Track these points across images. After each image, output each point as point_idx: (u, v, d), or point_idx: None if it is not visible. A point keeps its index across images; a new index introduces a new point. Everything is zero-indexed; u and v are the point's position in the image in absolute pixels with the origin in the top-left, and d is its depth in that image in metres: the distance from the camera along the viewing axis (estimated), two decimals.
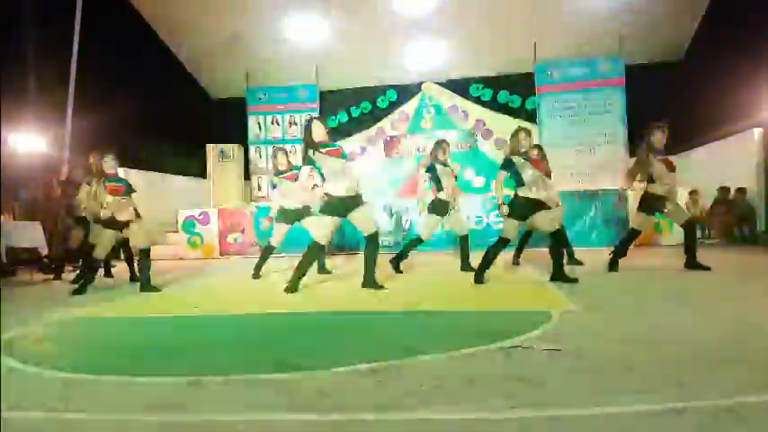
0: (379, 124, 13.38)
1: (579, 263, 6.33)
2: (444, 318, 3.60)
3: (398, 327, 3.39)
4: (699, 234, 9.71)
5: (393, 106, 13.35)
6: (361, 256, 5.20)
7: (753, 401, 1.79)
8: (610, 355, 2.39)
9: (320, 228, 5.02)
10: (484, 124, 12.77)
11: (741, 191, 9.48)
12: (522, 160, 5.01)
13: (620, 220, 9.38)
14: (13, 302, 5.17)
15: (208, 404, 1.98)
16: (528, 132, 5.15)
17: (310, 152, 4.71)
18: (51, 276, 7.45)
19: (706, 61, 10.81)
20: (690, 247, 5.56)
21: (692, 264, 5.51)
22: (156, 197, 11.50)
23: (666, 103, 10.16)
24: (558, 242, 5.09)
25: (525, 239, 6.68)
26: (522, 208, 4.97)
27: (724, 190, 9.74)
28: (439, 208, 6.11)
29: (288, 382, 2.18)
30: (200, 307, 4.35)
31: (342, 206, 4.76)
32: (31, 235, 7.52)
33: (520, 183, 4.99)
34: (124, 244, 6.43)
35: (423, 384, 2.08)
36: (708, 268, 5.35)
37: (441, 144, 6.25)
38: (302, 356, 2.63)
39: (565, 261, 5.32)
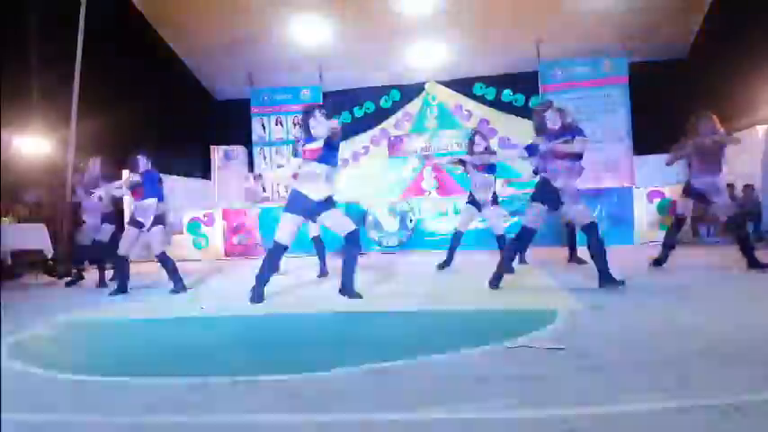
0: (382, 124, 13.37)
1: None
2: (449, 316, 3.59)
3: (404, 325, 3.38)
4: (705, 231, 9.73)
5: (396, 106, 13.33)
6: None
7: (760, 399, 1.77)
8: (615, 354, 2.38)
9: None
10: (488, 123, 12.74)
11: (748, 187, 9.44)
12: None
13: (625, 219, 9.36)
14: (18, 305, 5.19)
15: (210, 406, 1.97)
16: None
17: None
18: (56, 278, 7.48)
19: (710, 59, 10.76)
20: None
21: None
22: None
23: (670, 102, 10.11)
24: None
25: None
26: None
27: (729, 187, 9.68)
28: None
29: (290, 383, 2.18)
30: (204, 306, 4.36)
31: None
32: (36, 237, 7.56)
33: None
34: None
35: (426, 384, 2.07)
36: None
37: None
38: (305, 357, 2.63)
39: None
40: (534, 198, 4.55)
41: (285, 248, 4.39)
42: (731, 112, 9.93)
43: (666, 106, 9.77)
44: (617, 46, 11.20)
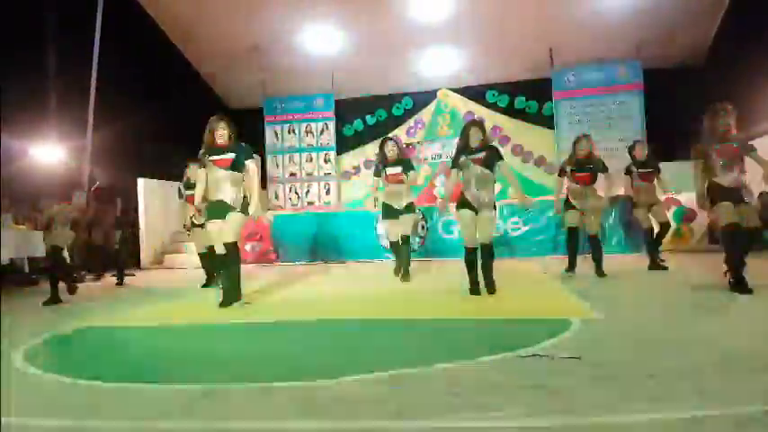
0: (394, 132, 13.38)
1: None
2: (462, 325, 3.56)
3: (417, 334, 3.36)
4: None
5: (408, 114, 13.34)
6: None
7: None
8: (630, 364, 2.34)
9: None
10: (501, 131, 12.70)
11: (766, 194, 9.28)
12: None
13: (639, 226, 9.23)
14: (33, 311, 5.24)
15: (221, 412, 1.97)
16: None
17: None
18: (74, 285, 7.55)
19: (726, 64, 10.63)
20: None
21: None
22: (172, 206, 11.61)
23: (686, 108, 9.99)
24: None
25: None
26: None
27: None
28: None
29: (302, 390, 2.17)
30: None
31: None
32: None
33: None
34: None
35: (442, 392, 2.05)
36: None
37: None
38: (318, 364, 2.62)
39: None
40: None
41: None
42: (749, 119, 9.80)
43: (682, 113, 9.66)
44: (632, 52, 11.13)
